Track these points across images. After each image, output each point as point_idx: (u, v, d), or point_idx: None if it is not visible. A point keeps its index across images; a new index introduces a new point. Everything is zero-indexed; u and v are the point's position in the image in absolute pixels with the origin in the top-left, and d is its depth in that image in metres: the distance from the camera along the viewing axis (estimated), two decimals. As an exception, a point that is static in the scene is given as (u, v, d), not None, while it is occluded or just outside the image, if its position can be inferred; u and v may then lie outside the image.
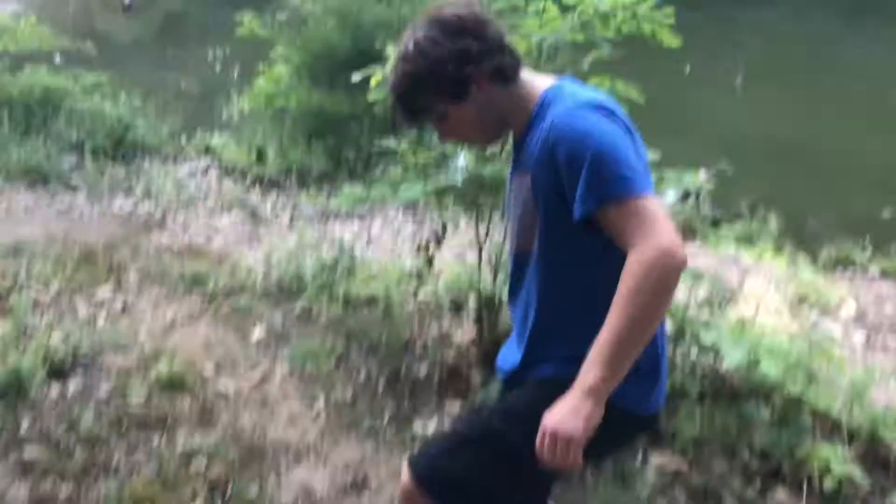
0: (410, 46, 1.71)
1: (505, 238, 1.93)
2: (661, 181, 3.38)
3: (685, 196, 6.88)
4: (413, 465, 1.79)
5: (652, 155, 3.25)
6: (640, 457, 3.07)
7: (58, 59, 9.08)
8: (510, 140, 1.88)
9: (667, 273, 1.45)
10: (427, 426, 3.32)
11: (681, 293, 3.54)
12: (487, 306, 3.66)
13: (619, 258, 1.53)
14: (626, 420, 1.69)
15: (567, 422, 1.48)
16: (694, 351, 3.34)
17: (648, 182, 1.55)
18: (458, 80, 1.68)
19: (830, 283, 5.03)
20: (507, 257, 3.49)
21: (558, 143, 1.57)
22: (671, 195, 7.20)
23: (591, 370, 1.48)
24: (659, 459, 3.07)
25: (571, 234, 1.62)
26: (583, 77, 3.27)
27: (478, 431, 1.75)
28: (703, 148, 7.75)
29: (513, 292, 1.87)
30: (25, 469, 2.77)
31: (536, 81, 1.77)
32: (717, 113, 9.42)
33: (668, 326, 3.40)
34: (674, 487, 2.95)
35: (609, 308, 1.50)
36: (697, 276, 3.34)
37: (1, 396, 3.11)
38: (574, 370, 1.53)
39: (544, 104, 1.69)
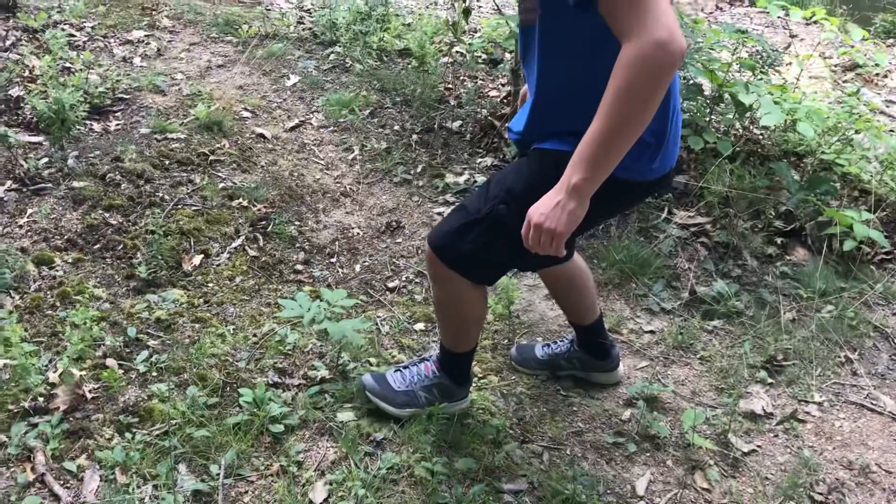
0: None
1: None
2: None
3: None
4: (430, 239, 1.93)
5: None
6: (664, 213, 3.15)
7: None
8: None
9: (660, 69, 1.36)
10: (458, 178, 3.39)
11: (723, 53, 3.44)
12: (524, 60, 3.59)
13: (616, 44, 1.46)
14: (626, 187, 1.70)
15: (551, 216, 1.50)
16: (731, 112, 3.31)
17: None
18: None
19: (879, 52, 4.84)
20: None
21: None
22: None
23: (576, 168, 1.46)
24: (683, 216, 3.15)
25: (571, 12, 1.52)
26: None
27: (482, 212, 1.81)
28: None
29: (524, 61, 1.82)
30: (76, 200, 2.89)
31: None
32: None
33: (707, 87, 3.35)
34: (695, 243, 3.05)
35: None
36: (742, 36, 3.22)
37: (46, 130, 3.19)
38: (571, 147, 1.52)
39: None
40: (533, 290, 2.85)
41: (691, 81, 3.31)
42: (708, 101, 3.33)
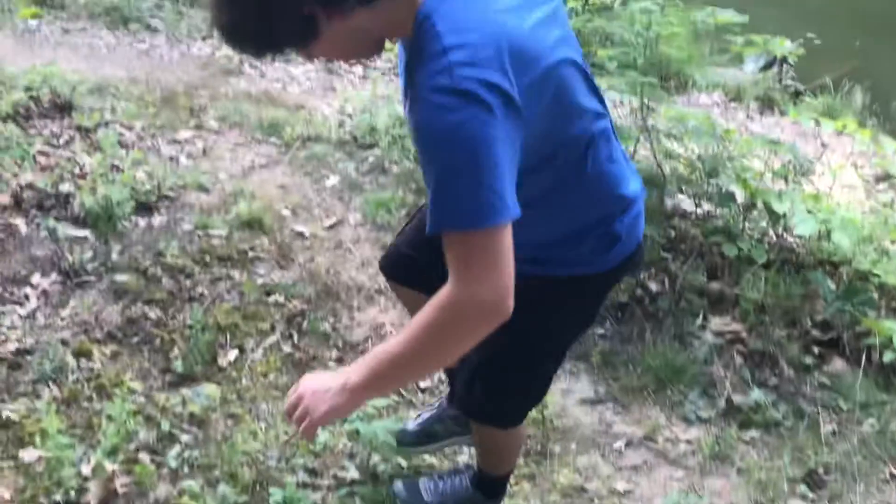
0: None
1: None
2: (750, 45, 3.27)
3: (768, 65, 6.63)
4: (459, 409, 2.00)
5: (740, 17, 3.19)
6: (699, 319, 3.14)
7: None
8: None
9: (472, 330, 1.30)
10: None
11: (756, 162, 3.49)
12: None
13: (579, 171, 1.49)
14: (589, 281, 1.67)
15: (316, 396, 1.40)
16: (764, 220, 3.33)
17: (504, 208, 1.25)
18: (292, 27, 1.28)
19: (913, 163, 4.88)
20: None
21: (414, 136, 1.31)
22: (752, 64, 6.95)
23: (359, 371, 1.39)
24: (718, 323, 3.13)
25: None
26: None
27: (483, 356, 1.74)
28: (792, 17, 7.36)
29: None
30: (117, 293, 2.96)
31: None
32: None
33: (740, 195, 3.38)
34: (731, 350, 3.03)
35: (557, 212, 1.49)
36: (773, 146, 3.28)
37: (93, 225, 3.30)
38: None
39: (418, 37, 1.30)
40: (566, 394, 2.82)
41: (724, 189, 3.35)
42: (741, 209, 3.36)
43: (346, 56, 1.49)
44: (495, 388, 1.80)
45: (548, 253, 1.60)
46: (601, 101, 1.58)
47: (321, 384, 1.42)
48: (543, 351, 1.76)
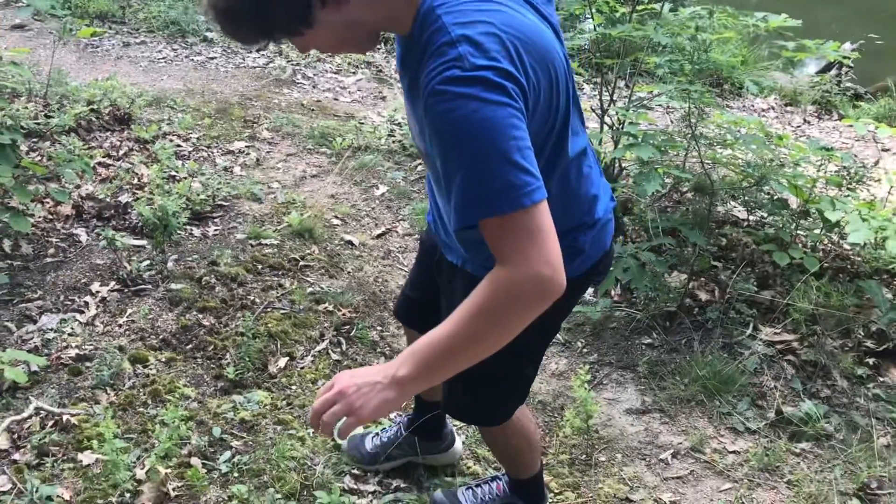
0: None
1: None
2: (801, 50, 3.21)
3: (826, 68, 6.50)
4: (447, 412, 2.07)
5: (793, 21, 3.13)
6: (748, 329, 3.09)
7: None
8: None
9: (529, 305, 1.27)
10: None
11: (809, 168, 3.43)
12: (605, 172, 3.66)
13: (563, 177, 1.49)
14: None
15: (362, 392, 1.32)
16: (817, 227, 3.27)
17: (537, 182, 1.25)
18: (287, 14, 1.29)
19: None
20: (614, 121, 3.45)
21: (433, 133, 1.28)
22: (810, 67, 6.82)
23: (407, 363, 1.32)
24: (768, 332, 3.09)
25: None
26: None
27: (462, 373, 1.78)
28: (852, 19, 7.20)
29: (428, 191, 1.81)
30: (173, 301, 3.05)
31: None
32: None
33: (792, 202, 3.33)
34: (781, 361, 2.98)
35: None
36: (827, 153, 3.22)
37: (150, 235, 3.40)
38: (475, 269, 1.53)
39: (423, 28, 1.32)
40: (613, 404, 2.81)
41: (776, 196, 3.30)
42: (793, 217, 3.30)
43: (339, 47, 1.45)
44: (479, 393, 1.83)
45: None
46: (581, 118, 1.59)
47: (365, 379, 1.33)
48: (516, 358, 1.72)
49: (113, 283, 3.10)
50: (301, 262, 3.41)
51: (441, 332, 1.30)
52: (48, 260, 3.21)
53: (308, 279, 3.32)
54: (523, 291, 1.25)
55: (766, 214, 3.49)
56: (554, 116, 1.41)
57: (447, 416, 2.27)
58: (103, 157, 4.02)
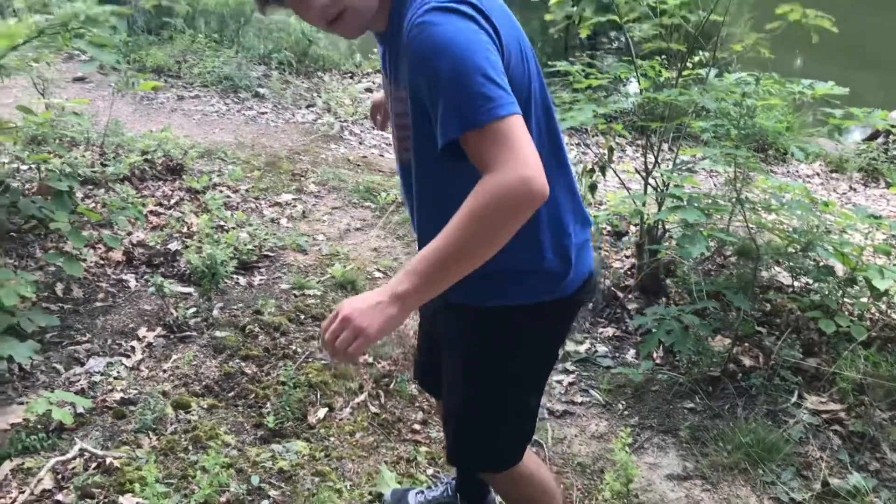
0: None
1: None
2: (848, 118, 3.21)
3: (873, 135, 6.46)
4: (454, 463, 2.00)
5: (840, 89, 3.14)
6: (793, 397, 3.04)
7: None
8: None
9: (518, 205, 1.30)
10: (579, 347, 3.41)
11: (856, 235, 3.40)
12: (649, 235, 3.66)
13: None
14: (553, 307, 1.68)
15: (366, 313, 1.35)
16: (864, 295, 3.22)
17: (511, 98, 1.34)
18: None
19: None
20: (659, 183, 3.46)
21: (415, 60, 1.38)
22: (856, 134, 6.78)
23: (407, 278, 1.35)
24: (814, 401, 3.03)
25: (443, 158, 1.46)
26: (772, 5, 3.15)
27: (465, 406, 1.80)
28: (899, 85, 7.17)
29: (405, 201, 1.79)
30: (216, 348, 3.09)
31: None
32: (921, 48, 8.65)
33: (839, 269, 3.29)
34: (828, 430, 2.91)
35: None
36: (875, 221, 3.19)
37: (197, 283, 3.47)
38: (465, 297, 1.53)
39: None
40: (653, 468, 2.77)
41: (822, 263, 3.27)
42: (840, 284, 3.26)
43: (339, 12, 1.48)
44: (482, 431, 1.80)
45: (512, 266, 1.59)
46: (559, 129, 1.67)
47: (367, 302, 1.36)
48: (517, 387, 1.75)
49: (159, 328, 3.15)
50: (343, 314, 3.43)
51: (436, 244, 1.34)
52: (98, 304, 3.29)
53: (349, 331, 3.33)
54: (509, 191, 1.29)
55: (811, 281, 3.45)
56: (528, 85, 1.49)
57: (459, 465, 2.18)
58: (155, 205, 4.13)
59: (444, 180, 1.54)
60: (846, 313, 3.20)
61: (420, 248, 1.68)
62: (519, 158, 1.30)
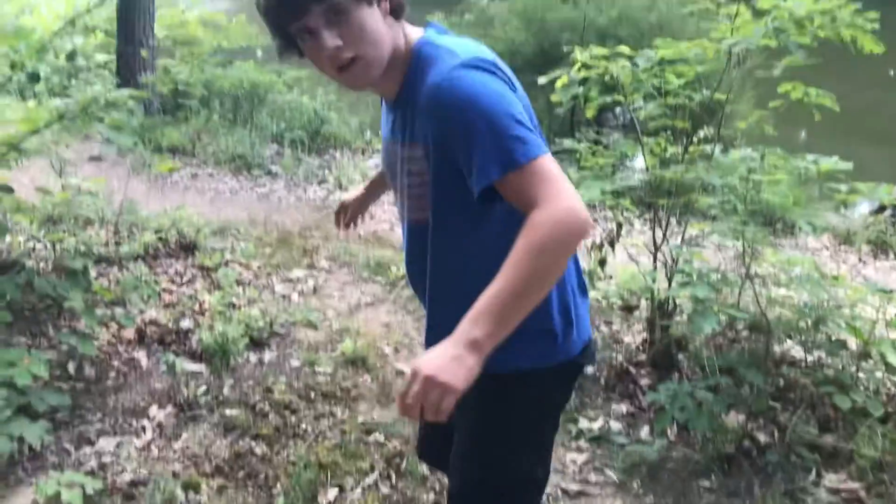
0: None
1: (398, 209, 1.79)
2: (854, 193, 3.24)
3: (880, 209, 6.49)
4: None
5: (844, 164, 3.18)
6: (811, 475, 2.99)
7: (259, 53, 9.85)
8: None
9: (571, 232, 1.35)
10: (592, 424, 3.38)
11: (868, 310, 3.39)
12: (660, 309, 3.66)
13: (520, 223, 1.48)
14: (539, 377, 1.66)
15: (448, 368, 1.31)
16: (879, 370, 3.20)
17: (540, 140, 1.43)
18: None
19: None
20: (668, 258, 3.48)
21: (446, 111, 1.44)
22: (863, 207, 6.82)
23: (478, 323, 1.33)
24: (833, 480, 2.97)
25: (470, 204, 1.50)
26: (774, 82, 3.22)
27: (464, 489, 1.76)
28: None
29: (410, 269, 1.79)
30: (227, 427, 3.08)
31: (407, 30, 1.60)
32: (924, 121, 8.76)
33: (852, 343, 3.27)
34: (848, 510, 2.85)
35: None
36: (888, 295, 3.18)
37: (208, 360, 3.47)
38: (496, 365, 1.47)
39: (420, 60, 1.54)
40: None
41: (834, 337, 3.25)
42: (854, 359, 3.24)
43: (371, 45, 1.51)
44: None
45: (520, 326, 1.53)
46: None
47: (444, 357, 1.33)
48: (522, 454, 1.71)
49: (170, 407, 3.15)
50: (353, 391, 3.43)
51: (500, 284, 1.34)
52: (109, 383, 3.29)
53: (359, 408, 3.33)
54: (564, 222, 1.35)
55: (824, 355, 3.43)
56: (538, 135, 1.54)
57: None
58: (168, 283, 4.16)
59: (464, 234, 1.58)
60: (861, 388, 3.16)
61: (431, 316, 1.72)
62: (562, 191, 1.37)
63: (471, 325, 1.34)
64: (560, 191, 1.37)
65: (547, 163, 1.40)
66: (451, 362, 1.32)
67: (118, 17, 7.22)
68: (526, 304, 1.36)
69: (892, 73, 9.19)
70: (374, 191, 2.25)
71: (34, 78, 3.11)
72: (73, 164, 5.75)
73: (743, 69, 3.38)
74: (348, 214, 2.22)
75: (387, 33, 1.52)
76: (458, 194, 1.51)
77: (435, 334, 1.67)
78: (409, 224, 1.70)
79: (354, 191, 2.27)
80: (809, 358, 3.52)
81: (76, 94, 3.20)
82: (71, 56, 2.88)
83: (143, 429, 3.03)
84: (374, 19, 1.49)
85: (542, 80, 3.47)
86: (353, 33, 1.47)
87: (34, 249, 4.13)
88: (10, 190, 3.09)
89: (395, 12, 1.55)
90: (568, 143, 3.67)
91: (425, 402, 1.32)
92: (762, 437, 3.18)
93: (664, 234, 3.67)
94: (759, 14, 3.16)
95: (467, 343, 1.33)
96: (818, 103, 3.18)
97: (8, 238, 3.74)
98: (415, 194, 1.62)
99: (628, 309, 4.45)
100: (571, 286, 1.70)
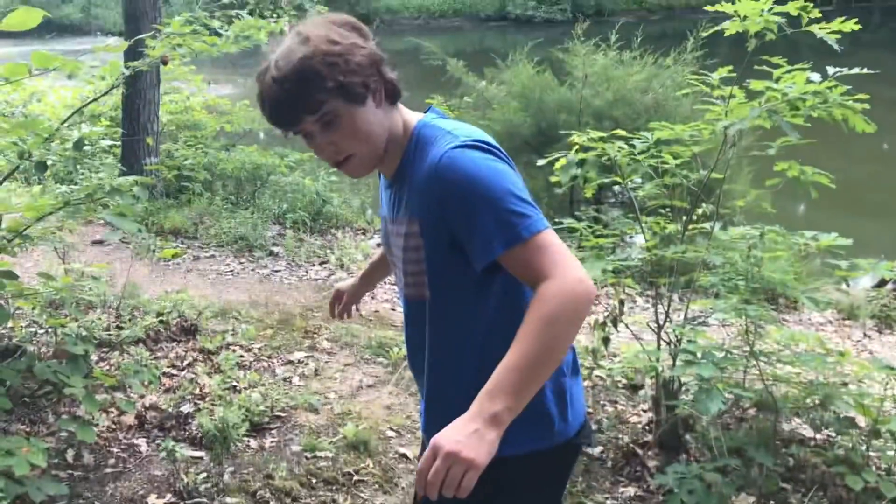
0: (314, 32, 1.50)
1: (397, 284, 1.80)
2: (854, 269, 3.24)
3: (881, 283, 6.49)
4: None
5: (843, 241, 3.19)
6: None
7: (262, 136, 10.03)
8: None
9: (580, 303, 1.38)
10: (600, 507, 3.31)
11: (875, 387, 3.36)
12: (665, 388, 3.62)
13: (520, 295, 1.54)
14: (537, 460, 1.64)
15: (470, 444, 1.30)
16: (891, 450, 3.14)
17: (541, 214, 1.47)
18: (363, 79, 1.51)
19: None
20: (673, 336, 3.46)
21: (447, 189, 1.48)
22: (866, 281, 6.82)
23: (497, 396, 1.34)
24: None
25: (468, 278, 1.54)
26: (771, 159, 3.26)
27: None
28: (902, 231, 7.28)
29: (410, 344, 1.79)
30: (226, 515, 3.01)
31: (405, 113, 1.65)
32: (921, 194, 8.85)
33: (861, 420, 3.23)
34: None
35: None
36: (893, 373, 3.16)
37: (208, 446, 3.42)
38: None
39: (419, 141, 1.59)
40: None
41: (842, 415, 3.21)
42: (863, 437, 3.19)
43: (363, 144, 1.56)
44: None
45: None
46: None
47: (463, 432, 1.32)
48: None
49: (169, 495, 3.09)
50: (355, 477, 3.37)
51: (515, 356, 1.36)
52: (108, 470, 3.24)
53: (362, 495, 3.26)
54: (574, 292, 1.38)
55: (834, 433, 3.38)
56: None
57: None
58: (168, 367, 4.14)
59: (462, 307, 1.59)
60: (873, 467, 3.11)
61: (430, 389, 1.70)
62: (568, 263, 1.41)
63: (489, 399, 1.34)
64: (566, 263, 1.41)
65: (549, 237, 1.44)
66: (472, 437, 1.31)
67: (123, 105, 7.37)
68: (541, 375, 1.38)
69: (885, 146, 9.33)
70: (369, 279, 2.27)
71: (42, 167, 3.15)
72: (77, 247, 5.79)
73: (739, 148, 3.43)
74: (342, 303, 2.24)
75: (380, 125, 1.57)
76: (456, 269, 1.55)
77: (433, 408, 1.70)
78: (408, 299, 1.71)
79: (349, 279, 2.29)
80: (818, 436, 3.47)
81: (81, 181, 3.23)
82: (78, 145, 2.93)
83: (141, 518, 2.96)
84: (364, 118, 1.53)
85: (540, 162, 3.52)
86: (345, 135, 1.54)
87: (35, 335, 4.12)
88: (13, 276, 3.10)
89: (391, 97, 1.60)
90: (568, 221, 3.70)
91: (447, 478, 1.30)
92: (774, 520, 3.10)
93: (667, 313, 3.66)
94: (752, 95, 3.23)
95: (487, 418, 1.33)
96: (814, 181, 3.22)
97: (10, 323, 3.73)
98: (412, 270, 1.64)
99: (633, 388, 4.40)
100: (566, 366, 1.69)
